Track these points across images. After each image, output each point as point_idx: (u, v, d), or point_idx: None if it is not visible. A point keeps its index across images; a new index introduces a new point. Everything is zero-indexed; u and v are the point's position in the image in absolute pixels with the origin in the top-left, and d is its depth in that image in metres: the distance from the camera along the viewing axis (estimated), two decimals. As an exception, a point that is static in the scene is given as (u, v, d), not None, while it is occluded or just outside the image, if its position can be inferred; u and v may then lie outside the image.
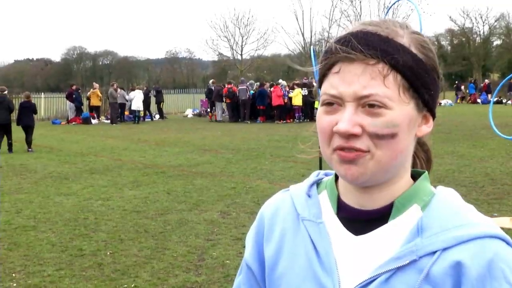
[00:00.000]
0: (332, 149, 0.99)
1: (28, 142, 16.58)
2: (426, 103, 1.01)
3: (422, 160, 1.16)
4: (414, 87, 0.98)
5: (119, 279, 5.58)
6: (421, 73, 0.98)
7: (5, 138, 16.01)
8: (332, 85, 0.98)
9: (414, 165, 1.12)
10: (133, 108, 28.10)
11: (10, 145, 16.16)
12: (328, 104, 0.98)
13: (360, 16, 46.30)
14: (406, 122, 0.97)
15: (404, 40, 0.99)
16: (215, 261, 6.04)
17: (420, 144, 1.14)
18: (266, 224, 1.18)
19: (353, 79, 0.95)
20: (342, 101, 0.96)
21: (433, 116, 1.06)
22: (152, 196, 9.48)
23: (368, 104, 0.95)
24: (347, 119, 0.95)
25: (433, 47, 1.04)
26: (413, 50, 0.98)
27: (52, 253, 6.44)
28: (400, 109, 0.96)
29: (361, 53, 0.95)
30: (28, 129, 16.80)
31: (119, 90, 28.62)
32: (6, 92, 17.09)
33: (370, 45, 0.95)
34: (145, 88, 30.99)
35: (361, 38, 0.96)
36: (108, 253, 6.40)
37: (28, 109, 17.35)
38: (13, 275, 5.75)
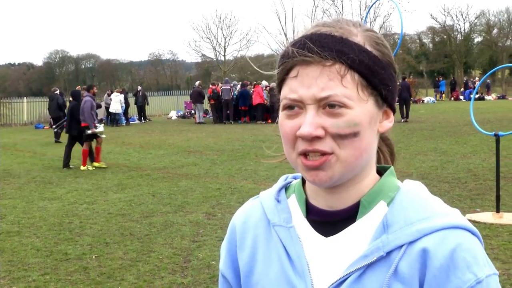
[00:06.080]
0: (297, 153, 0.99)
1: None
2: (385, 99, 1.02)
3: (386, 154, 1.16)
4: (372, 84, 0.99)
5: (105, 282, 5.56)
6: (377, 70, 0.99)
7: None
8: (292, 89, 0.98)
9: (378, 160, 1.13)
10: (110, 110, 27.95)
11: (56, 134, 19.96)
12: (289, 108, 0.99)
13: (342, 15, 46.46)
14: (367, 120, 0.98)
15: (358, 38, 0.99)
16: (201, 262, 6.05)
17: (383, 138, 1.14)
18: (238, 232, 1.19)
19: (311, 81, 0.96)
20: (303, 104, 0.97)
21: (393, 111, 1.07)
22: (137, 199, 9.46)
23: (328, 105, 0.95)
24: (309, 122, 0.95)
25: (387, 42, 1.05)
26: (368, 47, 0.99)
27: (37, 258, 6.41)
28: (360, 107, 0.97)
29: (317, 55, 0.95)
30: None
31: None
32: (57, 91, 21.70)
33: (326, 47, 0.96)
34: (121, 91, 30.82)
35: (316, 40, 0.97)
36: (94, 256, 6.38)
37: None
38: (-2, 281, 5.71)
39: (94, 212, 8.58)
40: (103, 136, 13.55)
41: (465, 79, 45.69)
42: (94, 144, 13.46)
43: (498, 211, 7.24)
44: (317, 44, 0.96)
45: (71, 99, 14.26)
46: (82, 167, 13.09)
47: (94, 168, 13.14)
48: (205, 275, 5.63)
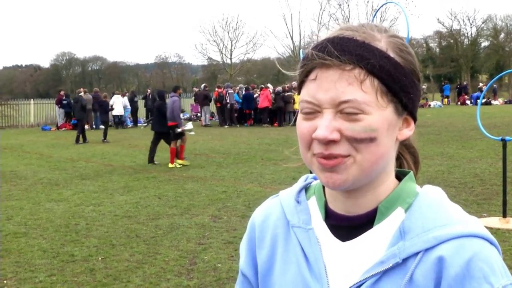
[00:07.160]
0: (312, 154, 0.99)
1: (104, 134, 20.75)
2: (406, 107, 1.00)
3: (410, 162, 1.14)
4: (392, 91, 0.97)
5: (111, 284, 5.58)
6: (398, 77, 0.97)
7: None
8: (309, 93, 0.98)
9: (401, 166, 1.11)
10: (114, 113, 27.99)
11: (78, 138, 20.12)
12: (307, 111, 0.98)
13: (348, 19, 46.35)
14: (385, 127, 0.97)
15: (382, 44, 0.98)
16: (206, 265, 6.05)
17: (407, 146, 1.13)
18: (257, 231, 1.18)
19: (329, 85, 0.95)
20: (320, 108, 0.97)
21: (414, 119, 1.05)
22: (143, 201, 9.48)
23: (346, 110, 0.94)
24: (325, 125, 0.95)
25: (412, 50, 1.03)
26: (391, 53, 0.98)
27: (43, 259, 6.43)
28: (379, 113, 0.96)
29: (336, 59, 0.94)
30: (103, 124, 21.66)
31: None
32: (81, 93, 22.87)
33: (346, 51, 0.95)
34: (127, 94, 30.99)
35: (337, 43, 0.96)
36: (100, 258, 6.40)
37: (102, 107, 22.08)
38: (5, 281, 5.74)
39: (100, 214, 8.60)
40: (193, 133, 13.75)
41: (465, 82, 45.66)
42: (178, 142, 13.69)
43: (504, 216, 7.23)
44: (338, 48, 0.95)
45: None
46: (170, 165, 13.35)
47: (181, 166, 13.35)
48: (211, 278, 5.64)
